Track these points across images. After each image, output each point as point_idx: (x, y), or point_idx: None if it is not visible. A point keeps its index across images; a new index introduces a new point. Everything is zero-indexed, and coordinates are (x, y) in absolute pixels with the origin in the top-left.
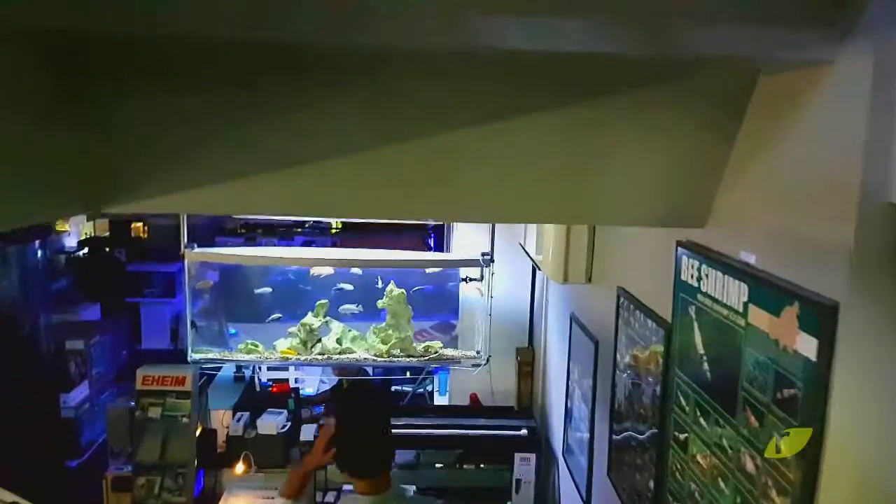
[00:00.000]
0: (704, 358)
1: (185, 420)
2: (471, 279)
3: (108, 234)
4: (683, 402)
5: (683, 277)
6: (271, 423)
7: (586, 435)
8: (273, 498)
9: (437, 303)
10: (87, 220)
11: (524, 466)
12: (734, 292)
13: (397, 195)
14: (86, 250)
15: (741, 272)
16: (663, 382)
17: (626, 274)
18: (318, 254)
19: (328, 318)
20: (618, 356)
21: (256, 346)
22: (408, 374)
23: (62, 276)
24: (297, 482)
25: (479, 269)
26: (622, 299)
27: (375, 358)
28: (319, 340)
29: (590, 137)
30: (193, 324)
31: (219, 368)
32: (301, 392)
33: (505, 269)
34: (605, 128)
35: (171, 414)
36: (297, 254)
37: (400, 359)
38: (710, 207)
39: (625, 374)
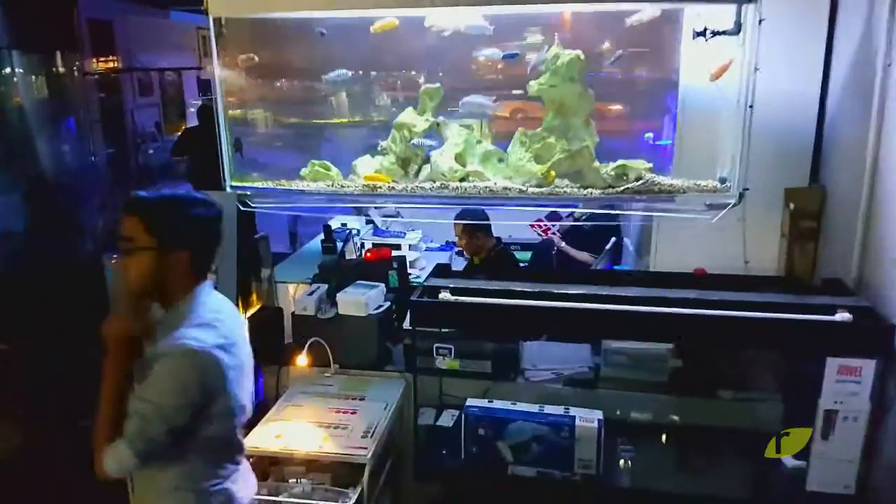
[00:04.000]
0: None
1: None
2: (714, 34)
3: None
4: None
5: None
6: (358, 298)
7: None
8: (354, 412)
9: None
10: None
11: (847, 385)
12: None
13: None
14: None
15: None
16: None
17: None
18: None
19: (441, 118)
20: None
21: (328, 168)
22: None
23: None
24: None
25: (736, 5)
26: None
27: (523, 188)
28: (428, 161)
29: None
30: (237, 143)
31: (307, 240)
32: (410, 265)
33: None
34: None
35: None
36: None
37: (571, 191)
38: None
39: None
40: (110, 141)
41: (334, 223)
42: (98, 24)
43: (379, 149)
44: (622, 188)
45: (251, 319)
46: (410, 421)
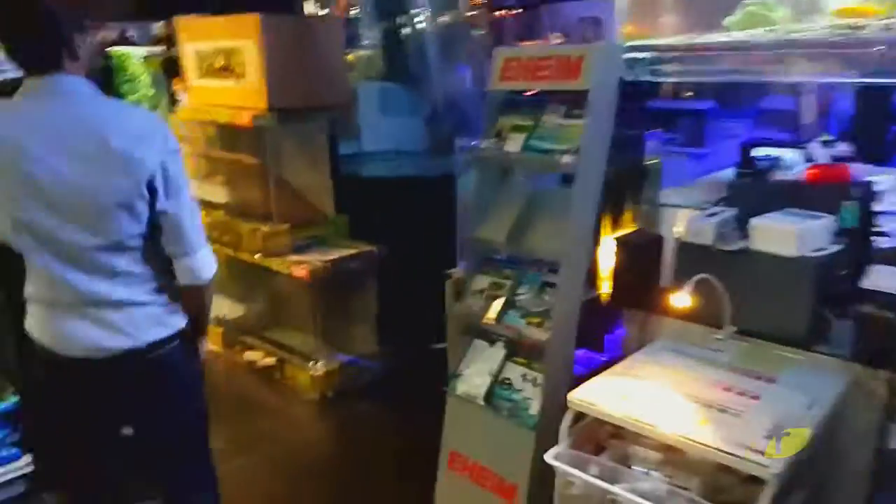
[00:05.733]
0: None
1: (565, 160)
2: None
3: None
4: None
5: None
6: (786, 227)
7: None
8: (755, 397)
9: None
10: None
11: None
12: None
13: None
14: None
15: None
16: None
17: None
18: None
19: None
20: None
21: (770, 10)
22: None
23: None
24: None
25: None
26: None
27: None
28: None
29: None
30: None
31: None
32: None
33: None
34: None
35: (541, 147)
36: None
37: None
38: None
39: None
40: None
41: (757, 152)
42: None
43: None
44: None
45: (617, 242)
46: (863, 440)
